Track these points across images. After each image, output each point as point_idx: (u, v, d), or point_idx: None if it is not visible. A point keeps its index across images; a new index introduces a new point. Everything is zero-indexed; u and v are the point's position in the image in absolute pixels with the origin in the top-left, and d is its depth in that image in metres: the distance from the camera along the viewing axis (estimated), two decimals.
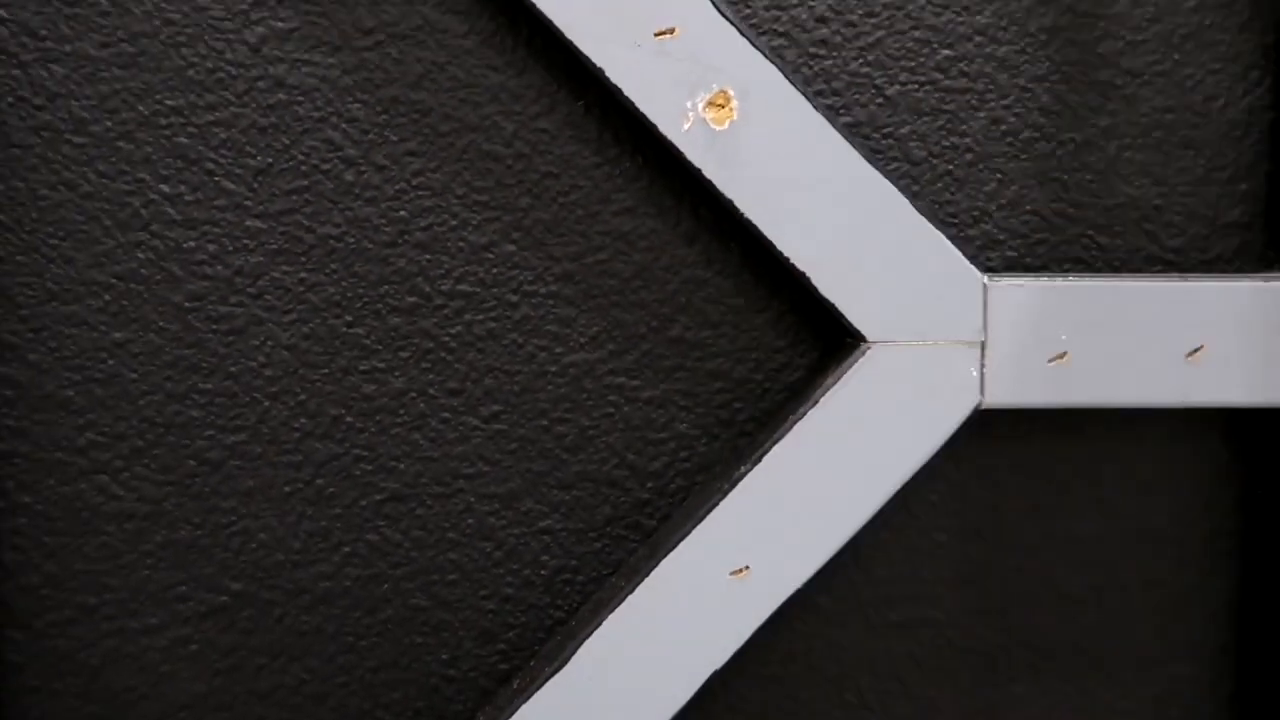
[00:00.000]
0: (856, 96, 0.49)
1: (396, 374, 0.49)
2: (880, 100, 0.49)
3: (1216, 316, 0.47)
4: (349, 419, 0.49)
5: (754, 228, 0.46)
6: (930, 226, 0.46)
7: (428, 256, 0.48)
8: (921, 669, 0.51)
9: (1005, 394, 0.47)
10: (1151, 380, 0.47)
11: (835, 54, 0.48)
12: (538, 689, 0.47)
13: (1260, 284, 0.47)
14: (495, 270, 0.48)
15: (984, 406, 0.46)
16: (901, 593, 0.50)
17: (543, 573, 0.49)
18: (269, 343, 0.48)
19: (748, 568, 0.47)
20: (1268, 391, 0.48)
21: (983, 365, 0.47)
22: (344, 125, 0.47)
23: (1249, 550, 0.51)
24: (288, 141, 0.47)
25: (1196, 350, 0.47)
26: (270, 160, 0.47)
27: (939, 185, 0.49)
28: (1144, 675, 0.51)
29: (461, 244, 0.48)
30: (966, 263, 0.46)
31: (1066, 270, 0.49)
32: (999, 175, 0.49)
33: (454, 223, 0.49)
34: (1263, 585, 0.50)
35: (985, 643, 0.50)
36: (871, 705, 0.51)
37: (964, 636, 0.50)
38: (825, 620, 0.50)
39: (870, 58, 0.48)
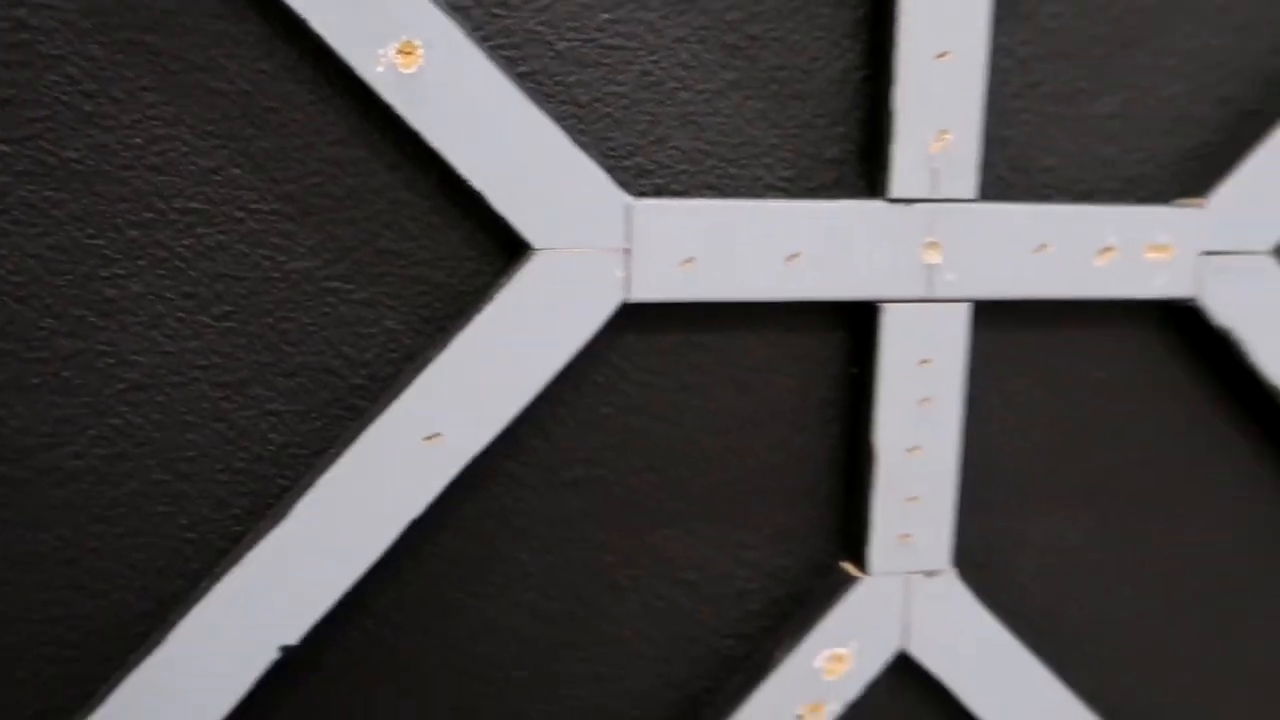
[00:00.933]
0: (531, 50, 0.58)
1: (135, 280, 0.56)
2: (551, 54, 0.59)
3: (810, 230, 0.61)
4: (92, 319, 0.56)
5: (440, 155, 0.56)
6: (585, 157, 0.57)
7: (162, 178, 0.55)
8: (592, 519, 0.62)
9: (646, 291, 0.59)
10: (760, 279, 0.60)
11: (513, 14, 0.58)
12: (262, 539, 0.56)
13: (845, 204, 0.60)
14: (222, 190, 0.56)
15: (629, 301, 0.58)
16: (575, 457, 0.62)
17: (270, 448, 0.58)
18: (16, 253, 0.54)
19: (439, 434, 0.57)
20: (851, 289, 0.62)
21: (628, 268, 0.58)
22: (83, 62, 0.54)
23: (847, 416, 0.65)
24: (30, 75, 0.53)
25: (795, 256, 0.60)
26: (14, 91, 0.53)
27: (600, 125, 0.60)
28: (769, 517, 0.65)
29: (192, 168, 0.56)
30: (614, 186, 0.58)
31: (702, 195, 0.62)
32: (648, 118, 0.60)
33: (184, 149, 0.56)
34: (856, 446, 0.65)
35: (643, 495, 0.63)
36: (550, 550, 0.62)
37: (627, 492, 0.63)
38: (513, 482, 0.61)
39: (543, 18, 0.59)
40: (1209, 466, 0.72)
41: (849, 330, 0.64)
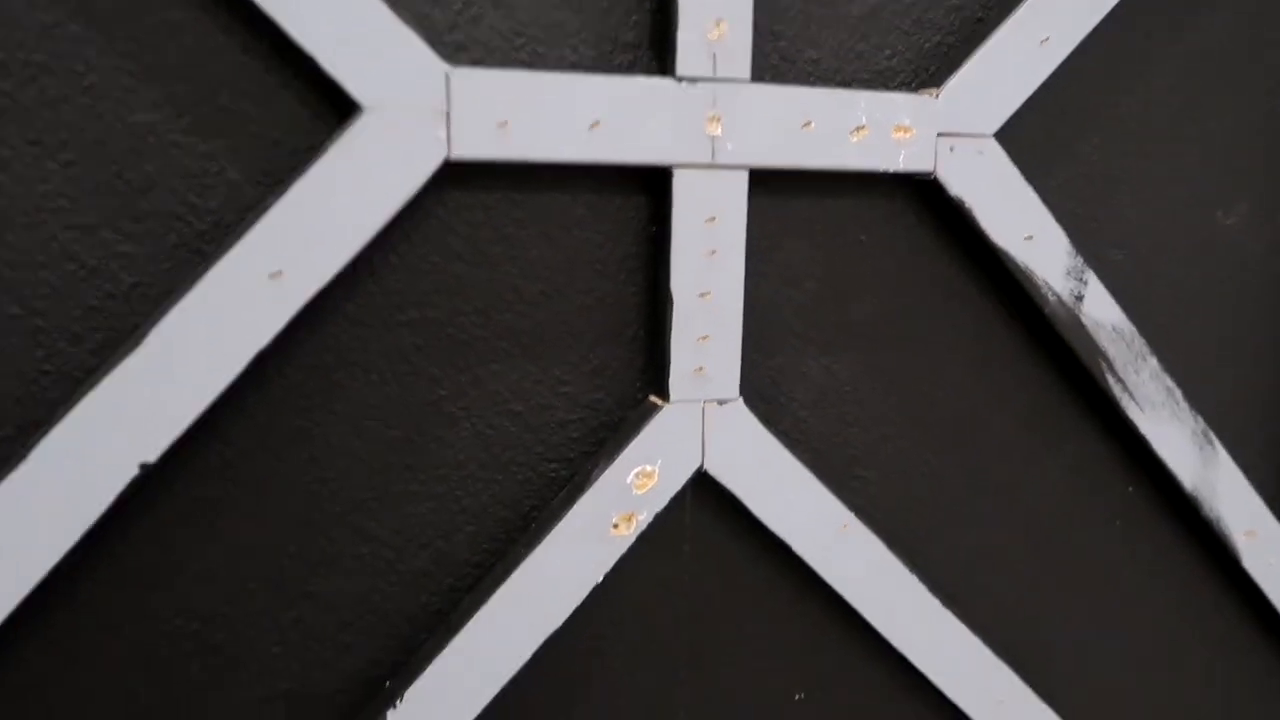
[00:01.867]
0: None
1: None
2: None
3: (609, 101, 0.70)
4: None
5: (273, 20, 0.62)
6: (408, 28, 0.64)
7: (3, 31, 0.59)
8: (425, 354, 0.71)
9: (465, 150, 0.67)
10: (566, 144, 0.69)
11: None
12: (115, 366, 0.61)
13: (639, 80, 0.70)
14: (64, 45, 0.61)
15: (451, 159, 0.66)
16: (408, 300, 0.70)
17: (122, 287, 0.63)
18: None
19: (281, 272, 0.63)
20: (645, 155, 0.71)
21: (448, 128, 0.66)
22: None
23: (648, 267, 0.75)
24: None
25: (596, 124, 0.69)
26: None
27: (422, 3, 0.67)
28: (584, 356, 0.75)
29: (32, 21, 0.60)
30: (435, 55, 0.65)
31: (515, 67, 0.70)
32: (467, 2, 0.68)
33: (25, 4, 0.60)
34: (656, 293, 0.75)
35: (471, 335, 0.72)
36: (389, 382, 0.70)
37: (457, 331, 0.71)
38: (352, 321, 0.69)
39: None
40: (951, 314, 0.86)
41: (647, 193, 0.75)
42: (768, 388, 0.81)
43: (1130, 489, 0.97)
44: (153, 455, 0.63)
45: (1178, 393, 0.93)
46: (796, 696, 0.87)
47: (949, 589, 0.89)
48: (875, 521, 0.84)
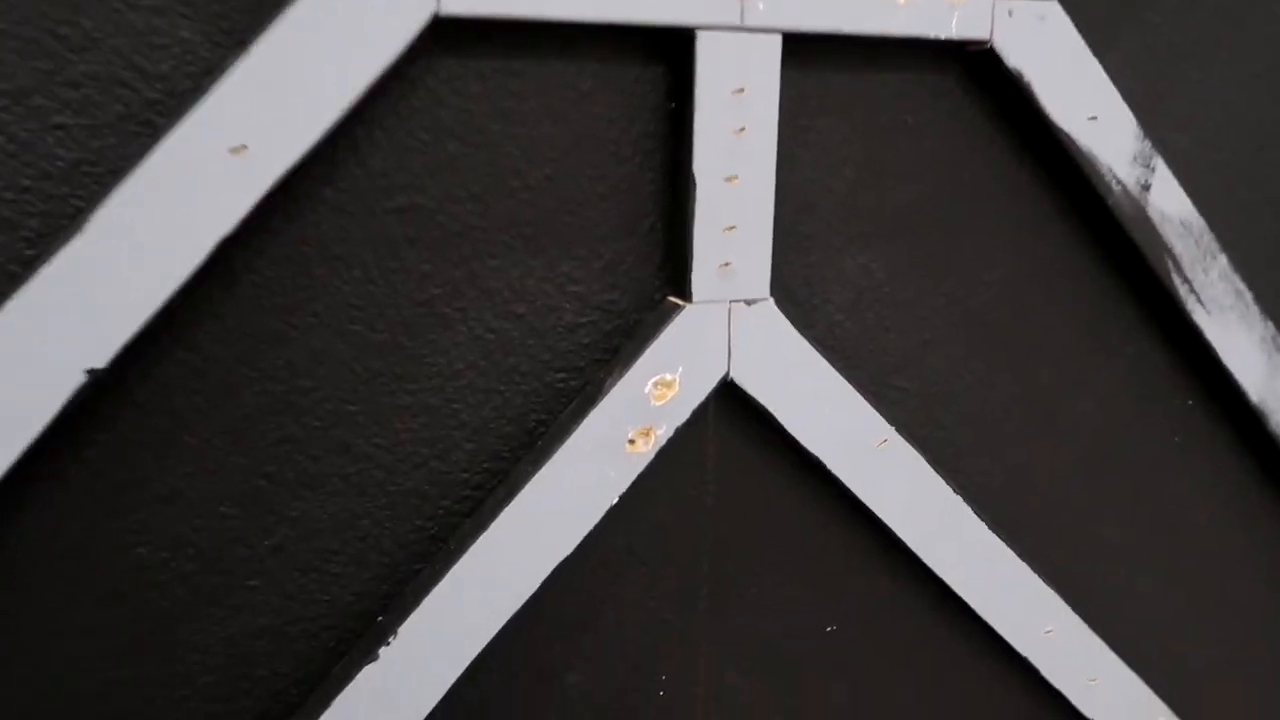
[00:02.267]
0: None
1: None
2: None
3: None
4: None
5: None
6: None
7: None
8: (416, 247, 0.62)
9: (457, 3, 0.58)
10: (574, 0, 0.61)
11: None
12: (54, 257, 0.53)
13: None
14: None
15: (440, 13, 0.57)
16: (395, 183, 0.61)
17: (60, 164, 0.55)
18: None
19: (245, 146, 0.55)
20: (666, 13, 0.62)
21: None
22: None
23: (667, 148, 0.67)
24: None
25: None
26: None
27: None
28: (594, 250, 0.67)
29: None
30: None
31: None
32: None
33: None
34: (677, 177, 0.67)
35: (466, 226, 0.63)
36: (375, 279, 0.62)
37: (449, 220, 0.63)
38: (332, 209, 0.60)
39: None
40: (1003, 204, 0.77)
41: (666, 63, 0.65)
42: (800, 287, 0.73)
43: (1190, 401, 0.89)
44: (101, 360, 0.55)
45: (1248, 295, 0.84)
46: (829, 629, 0.81)
47: (994, 510, 0.81)
48: (916, 436, 0.76)
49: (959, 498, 0.78)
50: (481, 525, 0.65)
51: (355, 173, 0.60)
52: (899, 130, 0.73)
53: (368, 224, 0.61)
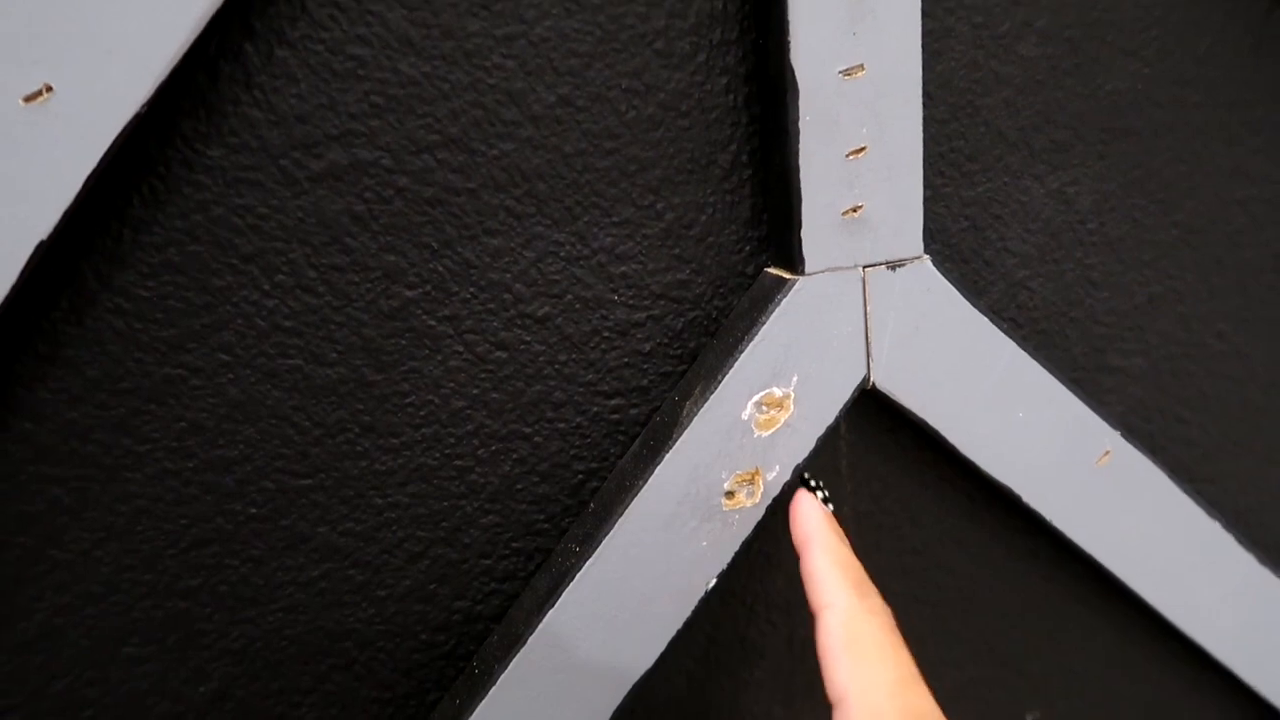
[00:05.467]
0: None
1: None
2: None
3: None
4: None
5: None
6: None
7: None
8: (369, 228, 0.40)
9: None
10: None
11: None
12: None
13: None
14: None
15: None
16: (322, 130, 0.38)
17: None
18: None
19: (47, 88, 0.35)
20: None
21: None
22: None
23: (748, 31, 0.43)
24: None
25: None
26: None
27: None
28: (647, 207, 0.43)
29: None
30: None
31: None
32: None
33: None
34: (767, 76, 0.42)
35: (443, 186, 0.40)
36: (312, 286, 0.39)
37: (416, 180, 0.40)
38: (227, 181, 0.38)
39: None
40: (1270, 78, 0.50)
41: None
42: (966, 235, 0.48)
43: None
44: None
45: None
46: (1028, 717, 0.60)
47: (1267, 539, 0.56)
48: (1143, 440, 0.52)
49: (1217, 524, 0.54)
50: (516, 637, 0.44)
51: (255, 118, 0.38)
52: None
53: (288, 200, 0.39)
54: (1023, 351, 0.47)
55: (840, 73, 0.41)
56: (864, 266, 0.44)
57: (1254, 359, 0.56)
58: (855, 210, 0.43)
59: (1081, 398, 0.49)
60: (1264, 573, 0.55)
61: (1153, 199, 0.51)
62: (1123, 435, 0.50)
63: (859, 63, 0.42)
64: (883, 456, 0.49)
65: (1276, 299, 0.55)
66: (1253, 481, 0.57)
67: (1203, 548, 0.53)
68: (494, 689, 0.43)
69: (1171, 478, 0.52)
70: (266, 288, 0.40)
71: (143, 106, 0.34)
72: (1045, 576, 0.53)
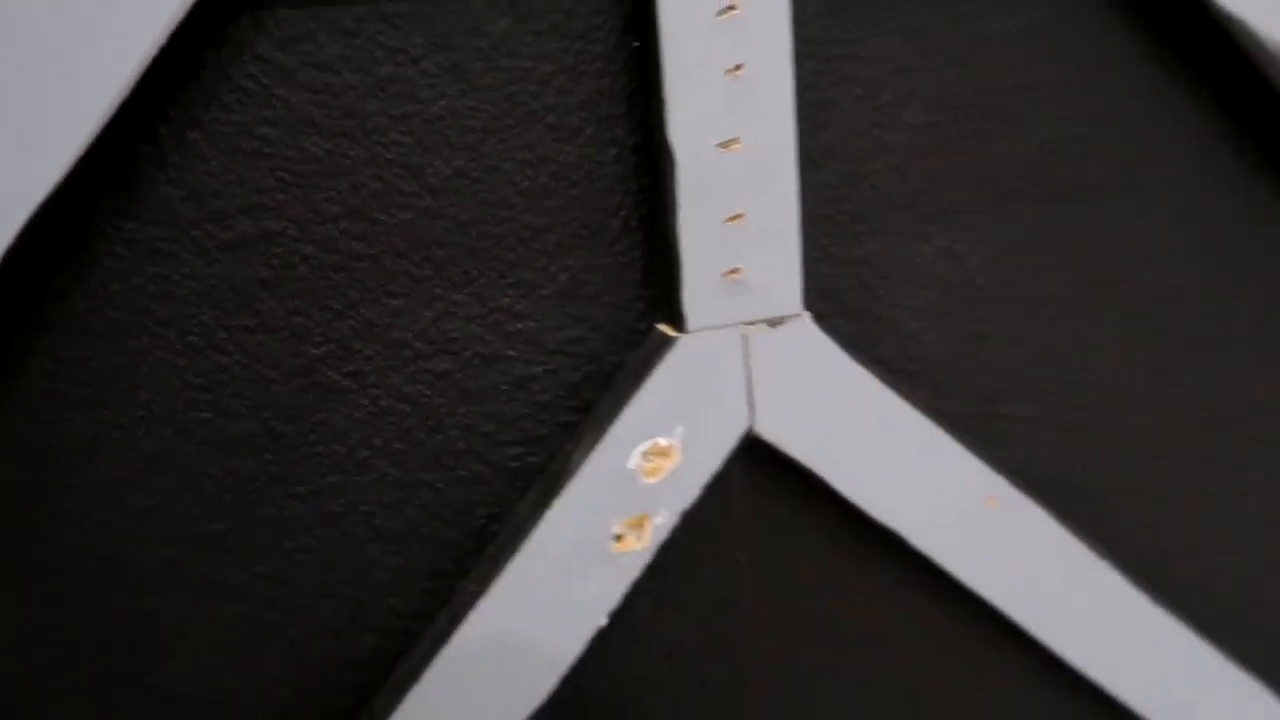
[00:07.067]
0: None
1: None
2: None
3: None
4: None
5: None
6: None
7: None
8: (276, 293, 0.43)
9: None
10: None
11: None
12: None
13: None
14: None
15: None
16: (231, 205, 0.41)
17: None
18: None
19: None
20: None
21: None
22: None
23: (635, 104, 0.46)
24: None
25: None
26: None
27: None
28: (541, 269, 0.45)
29: None
30: None
31: None
32: None
33: None
34: (649, 146, 0.45)
35: (345, 253, 0.43)
36: (223, 346, 0.42)
37: (320, 249, 0.43)
38: (142, 252, 0.41)
39: None
40: (1154, 143, 0.53)
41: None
42: (851, 292, 0.50)
43: None
44: None
45: None
46: None
47: (1158, 580, 0.57)
48: (1037, 486, 0.53)
49: (1108, 566, 0.55)
50: (418, 669, 0.46)
51: (169, 195, 0.41)
52: (989, 48, 0.49)
53: (200, 269, 0.42)
54: (904, 402, 0.50)
55: (717, 145, 0.44)
56: (745, 324, 0.46)
57: (1141, 408, 0.57)
58: (735, 272, 0.46)
59: (968, 444, 0.52)
60: (1156, 611, 0.56)
61: (1041, 257, 0.54)
62: (1008, 481, 0.52)
63: (734, 136, 0.44)
64: (775, 503, 0.51)
65: (1161, 353, 0.57)
66: (1143, 525, 0.59)
67: (1092, 588, 0.55)
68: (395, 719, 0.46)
69: (1060, 521, 0.54)
70: (180, 348, 0.43)
71: (58, 184, 0.38)
72: (938, 614, 0.55)
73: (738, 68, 0.44)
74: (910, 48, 0.48)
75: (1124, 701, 0.57)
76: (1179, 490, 0.58)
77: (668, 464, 0.47)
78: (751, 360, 0.47)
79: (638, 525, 0.47)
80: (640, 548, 0.47)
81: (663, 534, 0.47)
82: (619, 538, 0.47)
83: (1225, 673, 0.58)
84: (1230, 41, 0.50)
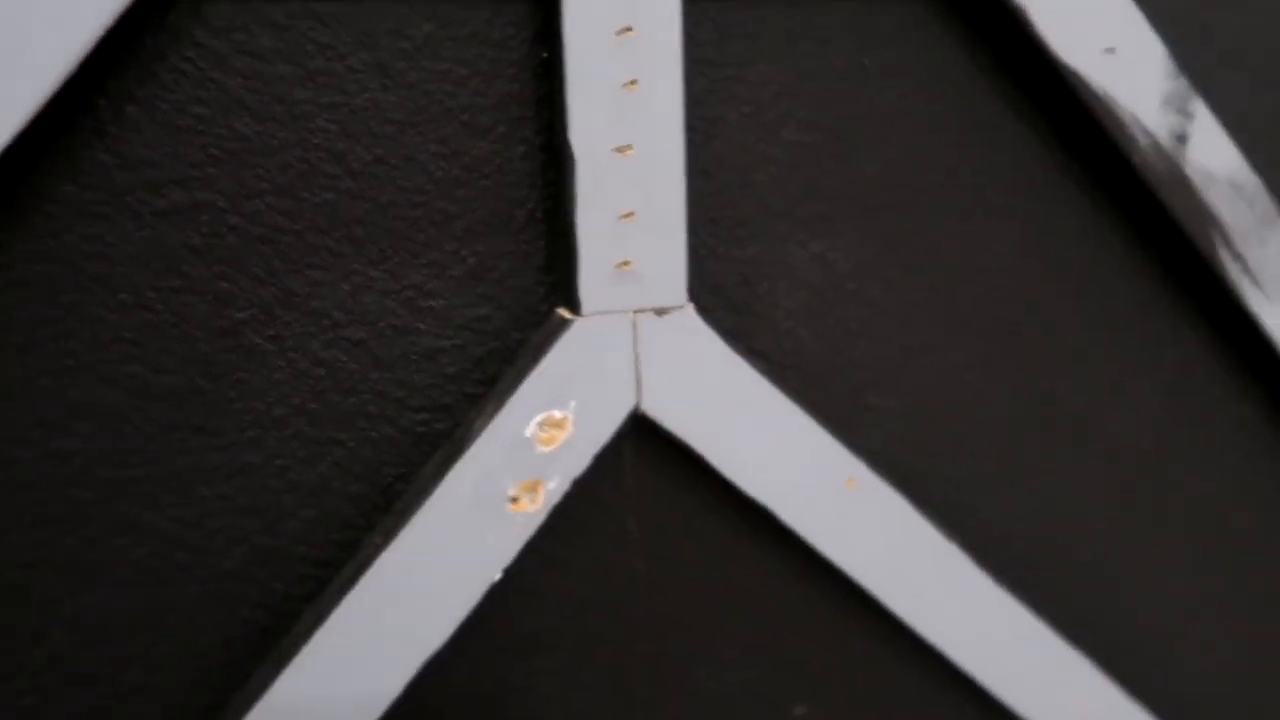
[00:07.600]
0: None
1: None
2: None
3: None
4: None
5: None
6: None
7: None
8: (205, 260, 0.47)
9: None
10: None
11: None
12: None
13: None
14: None
15: None
16: (165, 175, 0.45)
17: None
18: None
19: None
20: None
21: None
22: None
23: (536, 113, 0.51)
24: None
25: None
26: None
27: None
28: (451, 253, 0.50)
29: None
30: None
31: None
32: None
33: None
34: (551, 150, 0.51)
35: (271, 227, 0.47)
36: (152, 305, 0.46)
37: (247, 221, 0.47)
38: (78, 214, 0.45)
39: None
40: (996, 170, 0.60)
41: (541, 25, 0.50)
42: (733, 288, 0.56)
43: (1248, 410, 0.74)
44: None
45: None
46: (797, 712, 0.67)
47: (1001, 560, 0.64)
48: (895, 471, 0.60)
49: (954, 546, 0.62)
50: (324, 613, 0.50)
51: (105, 162, 0.44)
52: (857, 77, 0.56)
53: (132, 232, 0.46)
54: (777, 389, 0.56)
55: (613, 149, 0.49)
56: (634, 311, 0.52)
57: (995, 402, 0.64)
58: (626, 264, 0.51)
59: (832, 431, 0.58)
60: (998, 591, 0.63)
61: (904, 263, 0.60)
62: (867, 464, 0.58)
63: (629, 142, 0.50)
64: (662, 476, 0.56)
65: (1015, 350, 0.64)
66: (991, 509, 0.66)
67: (940, 565, 0.61)
68: (300, 659, 0.50)
69: (913, 503, 0.60)
70: (110, 305, 0.46)
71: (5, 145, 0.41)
72: (806, 585, 0.61)
73: (633, 82, 0.49)
74: (790, 74, 0.55)
75: (962, 667, 0.64)
76: (1019, 477, 0.65)
77: (561, 435, 0.52)
78: (639, 344, 0.52)
79: (532, 489, 0.52)
80: (534, 510, 0.52)
81: (555, 498, 0.52)
82: (514, 499, 0.51)
83: (1051, 643, 0.65)
84: (1064, 84, 0.58)
